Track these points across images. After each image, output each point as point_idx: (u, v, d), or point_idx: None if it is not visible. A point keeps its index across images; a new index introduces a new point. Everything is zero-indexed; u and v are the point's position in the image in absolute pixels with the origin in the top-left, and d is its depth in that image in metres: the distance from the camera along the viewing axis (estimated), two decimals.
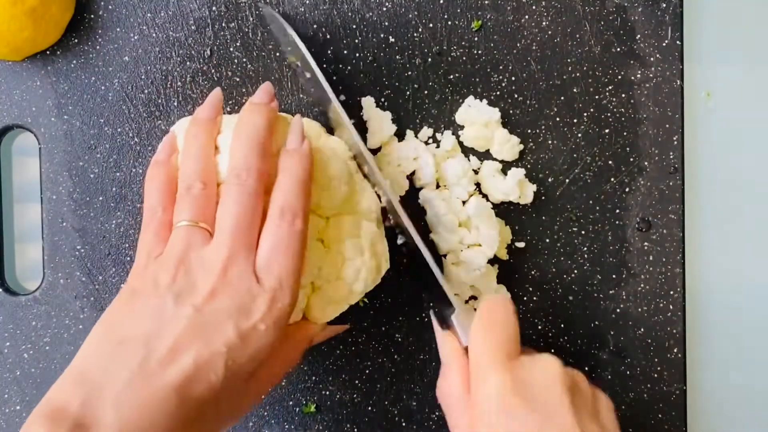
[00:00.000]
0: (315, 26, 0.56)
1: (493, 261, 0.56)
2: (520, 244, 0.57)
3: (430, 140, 0.57)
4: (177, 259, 0.44)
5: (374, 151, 0.56)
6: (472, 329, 0.46)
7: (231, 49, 0.56)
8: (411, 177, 0.56)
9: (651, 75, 0.58)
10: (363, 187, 0.51)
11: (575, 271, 0.58)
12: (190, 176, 0.46)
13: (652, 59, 0.58)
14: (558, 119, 0.57)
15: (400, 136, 0.56)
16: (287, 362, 0.48)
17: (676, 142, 0.58)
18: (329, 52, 0.56)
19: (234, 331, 0.42)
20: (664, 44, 0.58)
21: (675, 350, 0.58)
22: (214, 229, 0.45)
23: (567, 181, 0.57)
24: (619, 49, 0.57)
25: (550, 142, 0.57)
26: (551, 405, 0.43)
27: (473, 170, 0.56)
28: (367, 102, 0.56)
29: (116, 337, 0.42)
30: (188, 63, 0.56)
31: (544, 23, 0.57)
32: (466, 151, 0.57)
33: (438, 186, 0.56)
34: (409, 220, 0.51)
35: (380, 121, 0.55)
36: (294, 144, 0.47)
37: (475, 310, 0.48)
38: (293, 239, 0.44)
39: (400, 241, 0.53)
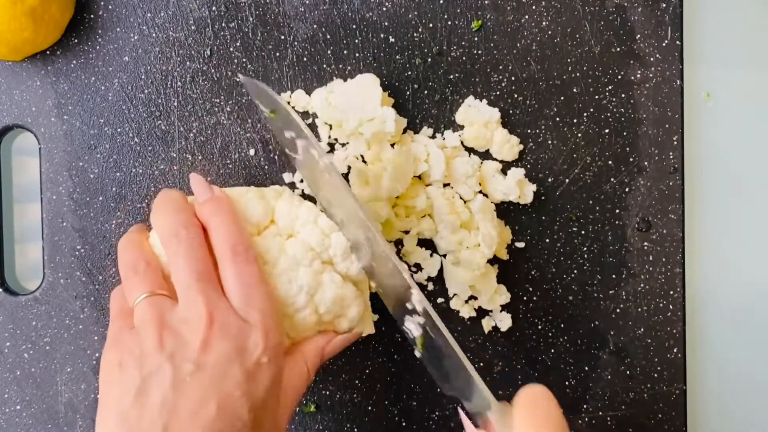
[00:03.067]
0: (315, 26, 0.56)
1: (493, 261, 0.56)
2: (520, 244, 0.57)
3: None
4: (156, 324, 0.43)
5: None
6: (519, 424, 0.43)
7: (231, 49, 0.56)
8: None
9: (651, 75, 0.58)
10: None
11: (575, 271, 0.58)
12: (130, 261, 0.47)
13: (652, 59, 0.57)
14: (558, 119, 0.57)
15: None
16: (298, 377, 0.47)
17: (676, 142, 0.58)
18: (329, 52, 0.56)
19: (241, 373, 0.43)
20: (664, 44, 0.58)
21: (675, 350, 0.58)
22: (176, 294, 0.45)
23: (567, 181, 0.58)
24: (619, 49, 0.57)
25: (550, 142, 0.57)
26: None
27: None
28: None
29: (131, 426, 0.41)
30: (188, 63, 0.56)
31: (544, 23, 0.57)
32: (466, 151, 0.57)
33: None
34: (432, 310, 0.48)
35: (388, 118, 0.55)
36: (204, 195, 0.48)
37: (505, 401, 0.46)
38: (253, 269, 0.45)
39: (416, 332, 0.49)
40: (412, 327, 0.49)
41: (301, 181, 0.55)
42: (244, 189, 0.50)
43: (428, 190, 0.55)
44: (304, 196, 0.55)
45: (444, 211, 0.54)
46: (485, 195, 0.56)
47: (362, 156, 0.55)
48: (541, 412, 0.43)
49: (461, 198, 0.55)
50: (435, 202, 0.55)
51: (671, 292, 0.58)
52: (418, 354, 0.50)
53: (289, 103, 0.56)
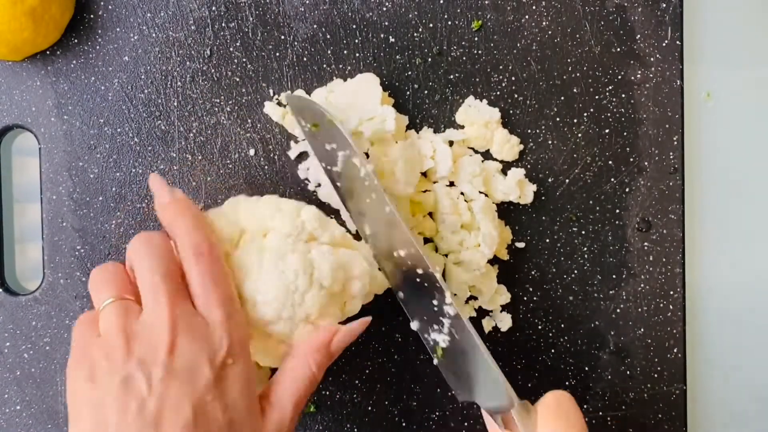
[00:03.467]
0: (315, 26, 0.56)
1: (493, 261, 0.56)
2: (520, 244, 0.57)
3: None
4: (122, 331, 0.43)
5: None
6: (544, 423, 0.45)
7: (231, 49, 0.56)
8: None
9: (651, 75, 0.58)
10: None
11: (575, 271, 0.58)
12: (99, 268, 0.47)
13: (652, 59, 0.57)
14: (558, 119, 0.57)
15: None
16: (301, 380, 0.47)
17: (676, 142, 0.58)
18: (329, 52, 0.56)
19: (210, 373, 0.43)
20: (664, 44, 0.58)
21: (675, 350, 0.58)
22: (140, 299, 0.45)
23: (567, 181, 0.57)
24: (619, 49, 0.57)
25: (550, 142, 0.57)
26: None
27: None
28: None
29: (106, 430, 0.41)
30: (188, 63, 0.56)
31: (544, 23, 0.57)
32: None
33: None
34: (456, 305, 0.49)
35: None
36: (165, 198, 0.48)
37: (527, 401, 0.48)
38: (216, 268, 0.45)
39: (442, 342, 0.50)
40: (438, 337, 0.50)
41: (318, 185, 0.55)
42: (212, 211, 0.50)
43: (434, 187, 0.55)
44: (322, 206, 0.55)
45: (447, 211, 0.54)
46: (486, 195, 0.56)
47: (367, 153, 0.55)
48: (567, 415, 0.45)
49: (464, 198, 0.55)
50: (440, 200, 0.55)
51: (671, 292, 0.58)
52: (435, 361, 0.50)
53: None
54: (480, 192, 0.55)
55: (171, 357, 0.42)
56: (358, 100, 0.54)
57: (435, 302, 0.50)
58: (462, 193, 0.55)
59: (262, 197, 0.50)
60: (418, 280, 0.50)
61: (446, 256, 0.55)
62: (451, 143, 0.56)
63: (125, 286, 0.46)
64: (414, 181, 0.54)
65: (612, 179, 0.58)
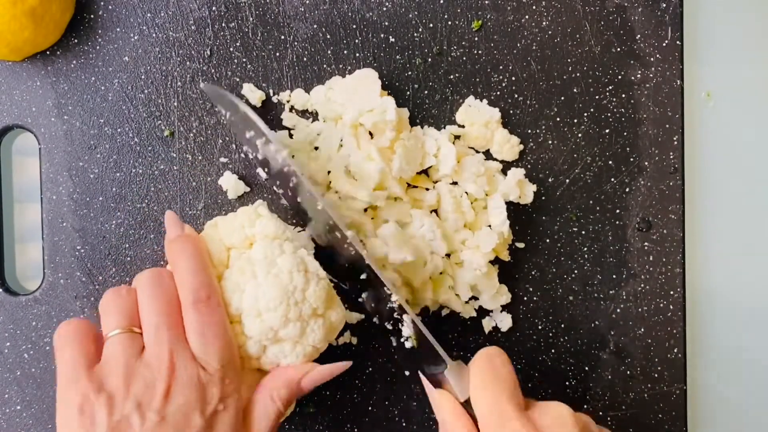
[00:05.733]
0: (315, 26, 0.56)
1: (494, 261, 0.56)
2: (520, 244, 0.57)
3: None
4: (124, 367, 0.44)
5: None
6: (475, 383, 0.46)
7: (231, 49, 0.56)
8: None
9: (651, 75, 0.58)
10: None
11: (575, 271, 0.58)
12: (116, 291, 0.48)
13: (652, 59, 0.58)
14: (558, 119, 0.57)
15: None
16: (266, 415, 0.47)
17: (676, 142, 0.58)
18: (329, 52, 0.56)
19: (200, 420, 0.44)
20: (664, 44, 0.58)
21: (675, 350, 0.58)
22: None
23: (567, 181, 0.58)
24: (619, 49, 0.57)
25: (550, 142, 0.57)
26: None
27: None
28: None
29: None
30: (188, 63, 0.56)
31: (544, 23, 0.57)
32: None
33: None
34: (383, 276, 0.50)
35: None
36: (174, 233, 0.49)
37: (464, 363, 0.48)
38: (214, 315, 0.46)
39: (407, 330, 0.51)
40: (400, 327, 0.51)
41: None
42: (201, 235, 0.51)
43: (437, 185, 0.55)
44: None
45: (449, 209, 0.54)
46: (486, 195, 0.56)
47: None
48: (496, 370, 0.46)
49: (468, 198, 0.55)
50: (442, 199, 0.55)
51: (671, 292, 0.58)
52: (408, 345, 0.51)
53: (247, 101, 0.56)
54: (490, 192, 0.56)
55: (165, 402, 0.44)
56: (357, 94, 0.54)
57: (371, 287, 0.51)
58: (466, 193, 0.55)
59: (237, 210, 0.51)
60: (348, 263, 0.51)
61: (448, 256, 0.55)
62: (456, 139, 0.56)
63: (134, 316, 0.47)
64: (410, 173, 0.54)
65: (612, 179, 0.58)
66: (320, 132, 0.56)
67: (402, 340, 0.50)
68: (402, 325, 0.50)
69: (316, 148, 0.56)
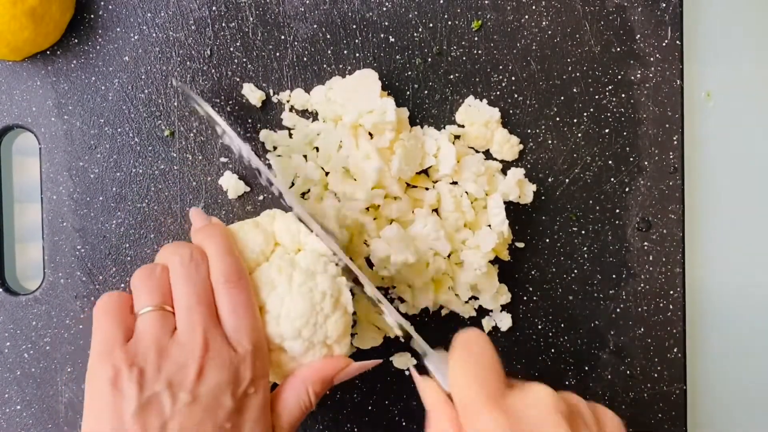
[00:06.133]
0: (315, 26, 0.56)
1: (494, 261, 0.56)
2: (520, 244, 0.57)
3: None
4: (156, 344, 0.44)
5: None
6: (450, 369, 0.44)
7: (231, 49, 0.56)
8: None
9: (651, 75, 0.58)
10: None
11: (575, 271, 0.58)
12: (148, 266, 0.48)
13: (652, 59, 0.58)
14: (558, 119, 0.57)
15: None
16: (298, 407, 0.47)
17: (676, 142, 0.58)
18: (329, 52, 0.56)
19: (231, 401, 0.44)
20: (664, 44, 0.58)
21: (675, 350, 0.58)
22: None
23: (567, 181, 0.58)
24: (619, 49, 0.57)
25: (550, 142, 0.57)
26: None
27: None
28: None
29: None
30: (188, 63, 0.56)
31: (544, 23, 0.57)
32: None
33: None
34: (360, 271, 0.49)
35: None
36: (200, 222, 0.50)
37: (446, 352, 0.47)
38: (244, 296, 0.46)
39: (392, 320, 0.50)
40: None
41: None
42: (239, 224, 0.50)
43: (437, 185, 0.55)
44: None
45: (449, 209, 0.54)
46: (486, 194, 0.56)
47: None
48: (474, 356, 0.43)
49: (468, 197, 0.55)
50: (443, 198, 0.55)
51: (671, 292, 0.58)
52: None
53: (247, 101, 0.56)
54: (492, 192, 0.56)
55: (198, 382, 0.43)
56: (357, 95, 0.54)
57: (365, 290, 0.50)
58: (467, 192, 0.55)
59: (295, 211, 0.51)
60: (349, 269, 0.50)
61: (449, 256, 0.55)
62: (455, 139, 0.56)
63: (167, 294, 0.46)
64: (410, 173, 0.54)
65: (612, 179, 0.58)
66: (320, 132, 0.56)
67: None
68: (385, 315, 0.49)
69: (316, 149, 0.56)
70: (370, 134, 0.55)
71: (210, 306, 0.46)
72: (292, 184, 0.56)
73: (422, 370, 0.48)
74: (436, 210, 0.56)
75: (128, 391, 0.43)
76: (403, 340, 0.50)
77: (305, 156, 0.56)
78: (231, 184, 0.56)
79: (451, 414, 0.43)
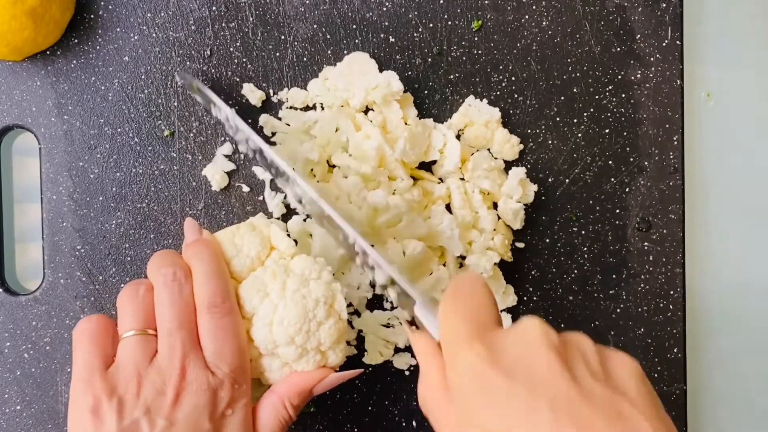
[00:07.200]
0: (315, 26, 0.56)
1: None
2: (520, 244, 0.57)
3: None
4: (135, 370, 0.45)
5: None
6: (440, 311, 0.40)
7: (231, 49, 0.56)
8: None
9: (651, 75, 0.58)
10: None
11: (575, 271, 0.58)
12: (134, 287, 0.48)
13: (652, 59, 0.58)
14: (558, 119, 0.57)
15: None
16: (277, 421, 0.47)
17: (676, 142, 0.58)
18: (329, 52, 0.56)
19: (209, 424, 0.45)
20: (664, 44, 0.58)
21: (675, 350, 0.58)
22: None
23: (567, 181, 0.58)
24: (619, 49, 0.57)
25: (550, 142, 0.57)
26: (538, 371, 0.35)
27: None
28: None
29: None
30: (188, 63, 0.56)
31: (544, 23, 0.57)
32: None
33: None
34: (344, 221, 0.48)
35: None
36: (192, 237, 0.50)
37: (434, 297, 0.47)
38: (228, 321, 0.46)
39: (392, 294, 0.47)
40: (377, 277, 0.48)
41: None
42: (235, 227, 0.50)
43: (447, 182, 0.55)
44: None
45: (458, 205, 0.54)
46: (488, 193, 0.56)
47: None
48: (464, 296, 0.40)
49: (480, 193, 0.55)
50: (452, 195, 0.54)
51: (671, 292, 0.58)
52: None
53: (247, 101, 0.56)
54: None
55: (174, 408, 0.44)
56: (355, 77, 0.54)
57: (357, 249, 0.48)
58: (479, 190, 0.55)
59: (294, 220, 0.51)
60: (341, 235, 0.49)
61: (464, 258, 0.55)
62: (458, 136, 0.56)
63: (149, 317, 0.47)
64: (413, 157, 0.54)
65: (612, 179, 0.58)
66: (317, 120, 0.55)
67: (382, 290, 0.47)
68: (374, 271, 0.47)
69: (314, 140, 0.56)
70: (369, 119, 0.55)
71: (191, 330, 0.46)
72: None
73: (415, 323, 0.44)
74: (447, 206, 0.55)
75: (108, 420, 0.44)
76: (391, 303, 0.49)
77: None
78: (220, 181, 0.56)
79: (439, 363, 0.40)
